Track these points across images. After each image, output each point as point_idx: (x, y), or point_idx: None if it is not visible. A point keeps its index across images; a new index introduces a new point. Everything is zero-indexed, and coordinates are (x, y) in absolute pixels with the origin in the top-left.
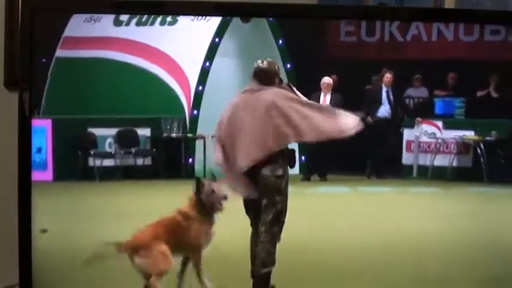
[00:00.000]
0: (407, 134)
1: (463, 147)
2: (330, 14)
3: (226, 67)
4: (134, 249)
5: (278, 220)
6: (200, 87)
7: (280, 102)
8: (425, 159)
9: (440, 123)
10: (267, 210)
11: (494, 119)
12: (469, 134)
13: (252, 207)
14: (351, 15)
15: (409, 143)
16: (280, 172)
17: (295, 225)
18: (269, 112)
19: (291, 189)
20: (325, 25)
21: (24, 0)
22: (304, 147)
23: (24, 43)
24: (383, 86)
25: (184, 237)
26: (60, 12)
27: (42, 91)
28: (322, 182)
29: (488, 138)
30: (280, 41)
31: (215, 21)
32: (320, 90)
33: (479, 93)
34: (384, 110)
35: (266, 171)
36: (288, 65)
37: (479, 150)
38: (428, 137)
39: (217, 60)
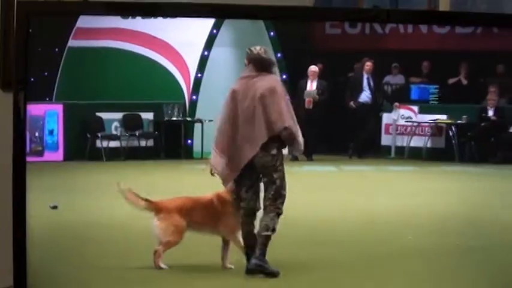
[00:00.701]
0: (386, 118)
1: (437, 129)
2: (326, 16)
3: (223, 56)
4: (157, 210)
5: (280, 194)
6: (199, 75)
7: (279, 89)
8: (402, 141)
9: (416, 108)
10: (268, 188)
11: (465, 104)
12: (442, 118)
13: (245, 185)
14: (346, 17)
15: (387, 126)
16: (274, 151)
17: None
18: (263, 100)
19: None
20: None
21: (19, 4)
22: None
23: (19, 46)
24: (364, 73)
25: (219, 220)
26: (54, 16)
27: (55, 78)
28: (308, 162)
29: (459, 121)
30: (272, 33)
31: None
32: (307, 77)
33: (451, 81)
34: (365, 96)
35: (261, 152)
36: (279, 55)
37: (451, 133)
38: (405, 121)
39: (215, 49)
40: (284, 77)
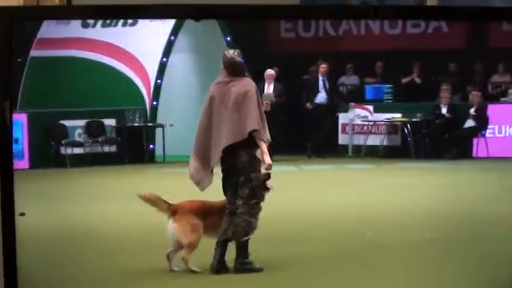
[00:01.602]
0: (343, 118)
1: (392, 128)
2: (313, 14)
3: (181, 62)
4: (173, 212)
5: (254, 194)
6: (159, 81)
7: (253, 93)
8: (359, 140)
9: (371, 107)
10: (243, 187)
11: (419, 102)
12: (397, 116)
13: (229, 188)
14: (335, 14)
15: (344, 125)
16: (253, 152)
17: None
18: (237, 104)
19: None
20: (267, 23)
21: (2, 9)
22: None
23: (3, 52)
24: (319, 75)
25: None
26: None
27: (18, 87)
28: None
29: (414, 119)
30: (228, 38)
31: (171, 21)
32: (264, 80)
33: (405, 80)
34: (321, 97)
35: (241, 152)
36: None
37: (406, 130)
38: (361, 120)
39: (173, 55)
40: None
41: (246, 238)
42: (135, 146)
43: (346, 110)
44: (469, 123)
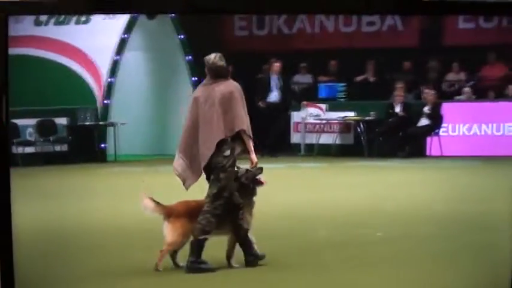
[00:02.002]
0: (295, 117)
1: (345, 126)
2: (305, 7)
3: (134, 60)
4: (168, 214)
5: (221, 195)
6: (111, 79)
7: (238, 93)
8: (311, 138)
9: (324, 106)
10: (212, 185)
11: (372, 100)
12: (350, 115)
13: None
14: (329, 9)
15: (296, 124)
16: (227, 153)
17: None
18: (223, 103)
19: None
20: (220, 21)
21: None
22: None
23: None
24: (272, 74)
25: (231, 219)
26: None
27: None
28: None
29: (367, 118)
30: (181, 36)
31: (124, 18)
32: None
33: (358, 78)
34: (274, 96)
35: (216, 151)
36: (188, 58)
37: (359, 129)
38: (313, 119)
39: (126, 53)
40: (194, 79)
41: (204, 237)
42: (86, 145)
43: (298, 109)
44: (423, 121)
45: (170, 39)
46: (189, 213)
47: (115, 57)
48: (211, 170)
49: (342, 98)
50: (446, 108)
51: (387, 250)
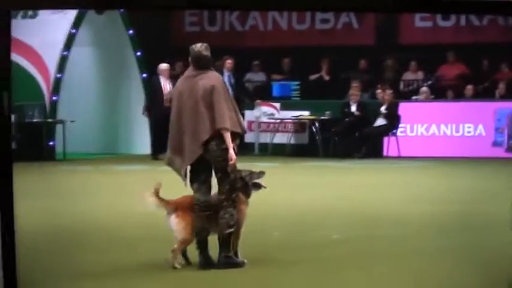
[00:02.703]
0: (249, 115)
1: (300, 126)
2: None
3: (82, 55)
4: (175, 207)
5: (234, 187)
6: (59, 75)
7: (219, 87)
8: (265, 138)
9: (278, 105)
10: (223, 182)
11: (327, 99)
12: (305, 114)
13: (197, 180)
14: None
15: (250, 123)
16: (224, 146)
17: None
18: (205, 98)
19: (145, 167)
20: (171, 16)
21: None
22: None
23: (1, 40)
24: (225, 71)
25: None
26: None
27: None
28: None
29: (322, 117)
30: (131, 31)
31: (72, 13)
32: (158, 74)
33: (313, 77)
34: None
35: (213, 146)
36: (138, 53)
37: (314, 129)
38: (267, 118)
39: (74, 49)
40: (144, 75)
41: (230, 230)
42: (34, 142)
43: (252, 108)
44: (380, 121)
45: (119, 34)
46: (193, 207)
47: (63, 53)
48: (209, 165)
49: (296, 96)
50: (404, 108)
51: (343, 252)
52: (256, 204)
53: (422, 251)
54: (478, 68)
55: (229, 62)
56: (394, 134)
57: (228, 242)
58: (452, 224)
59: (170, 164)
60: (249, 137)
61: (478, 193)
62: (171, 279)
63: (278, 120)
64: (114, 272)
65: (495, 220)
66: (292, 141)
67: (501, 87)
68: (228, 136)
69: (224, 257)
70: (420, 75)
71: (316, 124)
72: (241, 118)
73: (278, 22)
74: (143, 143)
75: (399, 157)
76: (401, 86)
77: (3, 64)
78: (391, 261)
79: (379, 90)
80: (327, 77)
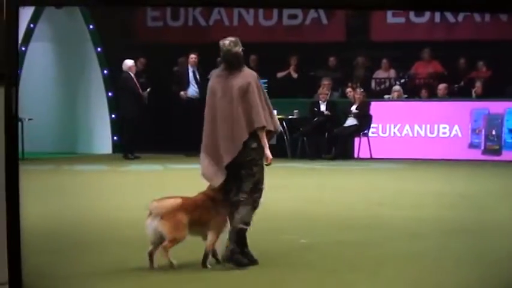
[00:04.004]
0: None
1: None
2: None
3: (41, 51)
4: (159, 210)
5: (257, 188)
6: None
7: (254, 85)
8: None
9: None
10: (246, 180)
11: (295, 98)
12: None
13: (233, 179)
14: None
15: None
16: (254, 145)
17: (116, 198)
18: (241, 98)
19: (106, 168)
20: (132, 11)
21: None
22: (117, 128)
23: (10, 39)
24: (189, 67)
25: (209, 217)
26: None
27: None
28: (136, 160)
29: (290, 116)
30: (91, 26)
31: (29, 7)
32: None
33: (280, 74)
34: (192, 90)
35: (248, 145)
36: (99, 49)
37: (281, 128)
38: None
39: (32, 44)
40: (106, 72)
41: (243, 227)
42: None
43: None
44: (350, 121)
45: (79, 29)
46: (181, 209)
47: (21, 48)
48: (239, 165)
49: None
50: (376, 107)
51: (312, 256)
52: None
53: (392, 256)
54: (453, 66)
55: (192, 57)
56: (366, 135)
57: (239, 238)
58: (424, 229)
59: (204, 173)
60: None
61: (453, 197)
62: (172, 279)
63: None
64: None
65: (470, 224)
66: None
67: (478, 86)
68: (263, 135)
69: (231, 251)
70: (392, 73)
71: (284, 124)
72: (275, 116)
73: (244, 17)
74: (104, 142)
75: (371, 158)
76: (373, 84)
77: (11, 60)
78: (360, 267)
79: (349, 89)
80: (295, 75)
